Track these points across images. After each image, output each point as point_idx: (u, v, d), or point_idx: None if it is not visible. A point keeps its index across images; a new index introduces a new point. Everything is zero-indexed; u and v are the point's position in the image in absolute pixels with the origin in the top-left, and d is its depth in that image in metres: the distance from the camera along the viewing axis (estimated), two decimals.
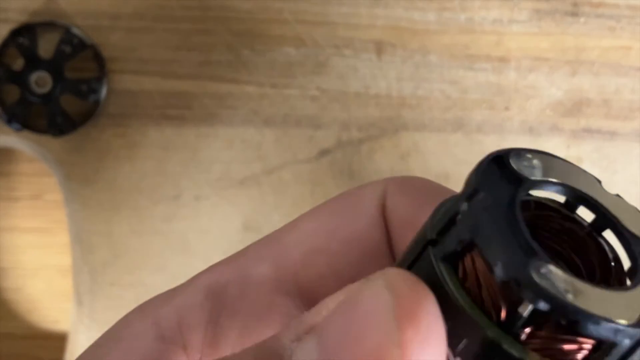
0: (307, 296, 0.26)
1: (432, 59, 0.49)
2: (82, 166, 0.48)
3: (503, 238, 0.18)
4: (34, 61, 0.48)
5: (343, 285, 0.23)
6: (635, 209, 0.20)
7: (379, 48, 0.49)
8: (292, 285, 0.26)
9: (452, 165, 0.49)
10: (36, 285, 0.53)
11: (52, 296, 0.53)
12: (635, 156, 0.50)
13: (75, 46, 0.47)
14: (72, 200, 0.48)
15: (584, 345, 0.18)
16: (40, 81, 0.48)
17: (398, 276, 0.18)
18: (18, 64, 0.48)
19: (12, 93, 0.48)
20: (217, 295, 0.26)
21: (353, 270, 0.26)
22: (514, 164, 0.20)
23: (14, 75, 0.48)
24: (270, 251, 0.26)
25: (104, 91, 0.48)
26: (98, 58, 0.48)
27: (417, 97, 0.49)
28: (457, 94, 0.49)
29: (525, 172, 0.20)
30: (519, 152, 0.20)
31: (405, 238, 0.25)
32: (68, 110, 0.48)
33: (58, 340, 0.52)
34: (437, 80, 0.49)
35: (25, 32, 0.47)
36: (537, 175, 0.20)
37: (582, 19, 0.49)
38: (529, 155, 0.20)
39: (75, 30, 0.47)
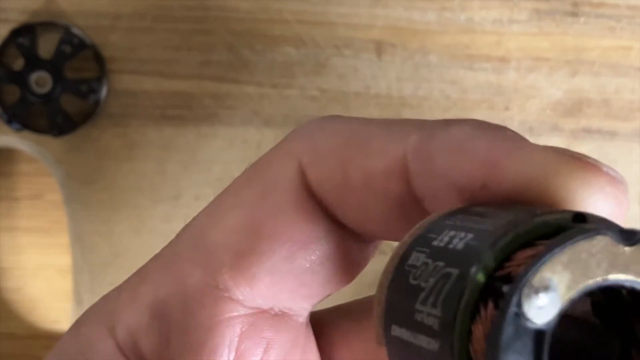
0: (247, 296, 0.25)
1: (432, 59, 0.49)
2: (82, 166, 0.48)
3: None
4: (34, 61, 0.48)
5: (280, 280, 0.24)
6: None
7: (379, 48, 0.49)
8: (229, 289, 0.25)
9: None
10: (36, 285, 0.53)
11: (52, 296, 0.53)
12: (635, 156, 0.50)
13: (75, 46, 0.47)
14: (72, 200, 0.48)
15: None
16: (40, 81, 0.48)
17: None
18: (18, 64, 0.48)
19: (12, 93, 0.48)
20: (162, 315, 0.25)
21: (286, 265, 0.24)
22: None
23: (14, 75, 0.48)
24: (200, 255, 0.25)
25: (104, 91, 0.48)
26: (98, 58, 0.48)
27: (417, 97, 0.49)
28: (457, 94, 0.49)
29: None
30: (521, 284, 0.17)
31: (342, 205, 0.24)
32: (68, 110, 0.48)
33: (58, 340, 0.52)
34: (437, 80, 0.49)
35: (25, 32, 0.47)
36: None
37: (582, 19, 0.49)
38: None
39: (75, 30, 0.47)
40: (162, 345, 0.25)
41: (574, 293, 0.16)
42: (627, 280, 0.17)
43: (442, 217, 0.20)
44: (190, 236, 0.25)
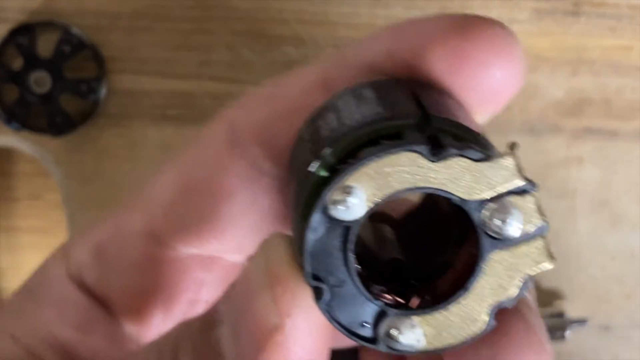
0: (178, 242, 0.28)
1: None
2: (82, 166, 0.48)
3: None
4: (33, 61, 0.48)
5: (209, 227, 0.27)
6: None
7: None
8: (161, 234, 0.28)
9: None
10: None
11: None
12: (636, 156, 0.50)
13: (75, 46, 0.47)
14: (71, 200, 0.48)
15: None
16: (40, 81, 0.48)
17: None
18: (17, 63, 0.48)
19: (12, 93, 0.48)
20: (102, 255, 0.29)
21: (214, 213, 0.27)
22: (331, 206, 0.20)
23: (13, 74, 0.47)
24: (140, 206, 0.28)
25: (103, 91, 0.48)
26: (97, 58, 0.48)
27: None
28: None
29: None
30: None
31: (270, 140, 0.26)
32: (67, 110, 0.48)
33: None
34: None
35: (25, 32, 0.47)
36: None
37: (582, 19, 0.49)
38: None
39: (75, 30, 0.47)
40: (102, 281, 0.28)
41: (377, 199, 0.20)
42: (428, 189, 0.20)
43: (336, 97, 0.22)
44: (133, 192, 0.29)
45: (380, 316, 0.21)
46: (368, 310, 0.21)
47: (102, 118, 0.48)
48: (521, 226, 0.20)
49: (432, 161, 0.19)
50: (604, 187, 0.50)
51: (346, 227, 0.20)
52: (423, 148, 0.19)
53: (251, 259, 0.22)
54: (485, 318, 0.21)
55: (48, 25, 0.47)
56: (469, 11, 0.50)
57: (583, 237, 0.50)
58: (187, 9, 0.48)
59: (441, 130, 0.20)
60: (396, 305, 0.21)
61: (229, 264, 0.29)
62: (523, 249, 0.21)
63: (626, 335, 0.50)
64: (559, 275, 0.50)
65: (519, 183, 0.20)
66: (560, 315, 0.49)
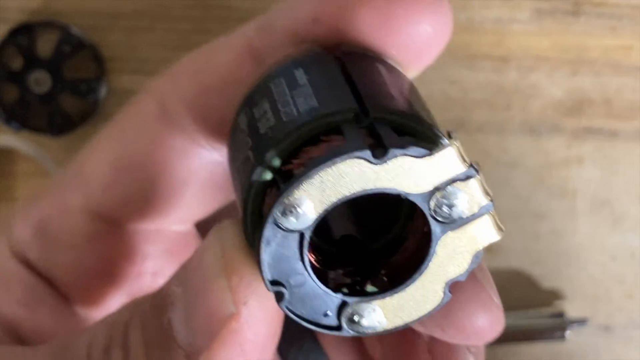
0: (117, 217, 0.28)
1: None
2: None
3: None
4: (33, 61, 0.48)
5: (147, 202, 0.28)
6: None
7: None
8: (101, 211, 0.28)
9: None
10: None
11: None
12: (636, 156, 0.49)
13: (75, 46, 0.47)
14: None
15: None
16: (39, 81, 0.48)
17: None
18: (17, 63, 0.48)
19: (11, 93, 0.48)
20: (44, 232, 0.28)
21: (151, 188, 0.27)
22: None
23: (12, 74, 0.47)
24: (79, 182, 0.28)
25: (103, 91, 0.48)
26: (97, 58, 0.47)
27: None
28: (458, 94, 0.49)
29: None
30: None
31: (202, 112, 0.26)
32: (67, 110, 0.48)
33: None
34: (438, 80, 0.49)
35: (24, 32, 0.47)
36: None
37: (583, 19, 0.49)
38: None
39: (75, 30, 0.47)
40: (46, 259, 0.28)
41: (326, 206, 0.20)
42: (375, 190, 0.20)
43: (269, 78, 0.23)
44: (74, 165, 0.29)
45: (341, 305, 0.21)
46: (329, 301, 0.21)
47: (102, 118, 0.48)
48: (468, 208, 0.21)
49: (376, 164, 0.20)
50: (604, 187, 0.50)
51: (300, 234, 0.20)
52: (366, 153, 0.20)
53: (204, 244, 0.22)
54: (441, 293, 0.22)
55: (48, 25, 0.47)
56: (469, 11, 0.50)
57: (583, 237, 0.50)
58: (187, 9, 0.48)
59: (379, 120, 0.21)
60: (355, 291, 0.22)
61: (173, 234, 0.29)
62: (472, 227, 0.21)
63: (626, 335, 0.50)
64: (559, 275, 0.50)
65: (462, 170, 0.21)
66: (560, 315, 0.49)
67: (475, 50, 0.49)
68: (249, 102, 0.23)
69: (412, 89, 0.24)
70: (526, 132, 0.49)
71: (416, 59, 0.24)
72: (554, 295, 0.50)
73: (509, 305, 0.51)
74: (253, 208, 0.21)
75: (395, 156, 0.20)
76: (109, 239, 0.28)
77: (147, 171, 0.27)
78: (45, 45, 0.48)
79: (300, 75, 0.22)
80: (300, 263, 0.21)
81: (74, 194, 0.28)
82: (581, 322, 0.49)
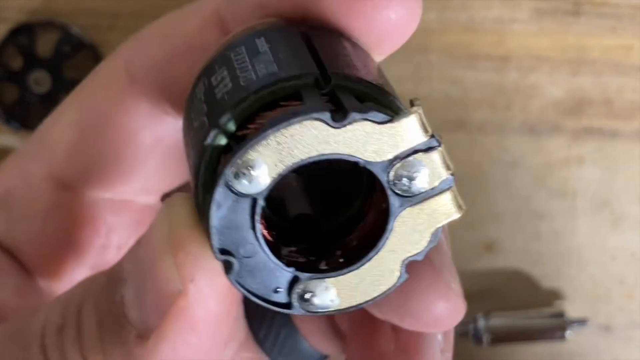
0: (81, 187, 0.27)
1: (433, 58, 0.49)
2: None
3: None
4: (32, 60, 0.48)
5: (111, 171, 0.27)
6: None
7: None
8: (65, 178, 0.27)
9: (452, 165, 0.48)
10: None
11: None
12: (636, 156, 0.49)
13: (75, 46, 0.47)
14: None
15: None
16: (39, 80, 0.48)
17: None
18: (17, 63, 0.48)
19: (11, 92, 0.48)
20: (6, 203, 0.28)
21: (115, 157, 0.27)
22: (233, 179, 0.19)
23: (12, 74, 0.47)
24: (41, 150, 0.28)
25: None
26: (97, 57, 0.47)
27: (417, 97, 0.49)
28: (458, 94, 0.49)
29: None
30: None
31: (169, 79, 0.26)
32: None
33: None
34: (438, 80, 0.49)
35: (25, 32, 0.47)
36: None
37: (583, 19, 0.49)
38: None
39: (74, 30, 0.47)
40: (9, 231, 0.28)
41: (281, 170, 0.19)
42: (332, 155, 0.19)
43: (229, 47, 0.22)
44: (37, 133, 0.28)
45: (293, 281, 0.21)
46: (280, 276, 0.20)
47: None
48: (428, 182, 0.20)
49: (335, 127, 0.19)
50: (604, 187, 0.50)
51: (252, 199, 0.19)
52: (325, 115, 0.19)
53: (154, 220, 0.22)
54: (397, 273, 0.21)
55: (48, 25, 0.47)
56: (469, 11, 0.50)
57: (583, 237, 0.50)
58: None
59: (341, 87, 0.20)
60: (308, 268, 0.21)
61: (139, 206, 0.28)
62: (432, 203, 0.20)
63: (626, 335, 0.50)
64: (559, 275, 0.50)
65: (423, 139, 0.20)
66: (560, 315, 0.49)
67: (475, 50, 0.49)
68: (208, 70, 0.22)
69: (376, 65, 0.23)
70: (526, 132, 0.49)
71: (379, 45, 0.23)
72: (554, 295, 0.50)
73: (509, 305, 0.51)
74: (205, 174, 0.20)
75: (355, 120, 0.19)
76: (72, 208, 0.28)
77: (111, 136, 0.27)
78: (45, 45, 0.48)
79: (261, 43, 0.21)
80: (252, 232, 0.20)
81: (36, 163, 0.28)
82: (581, 322, 0.49)
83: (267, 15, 0.23)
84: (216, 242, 0.20)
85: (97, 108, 0.27)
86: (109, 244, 0.28)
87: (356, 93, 0.20)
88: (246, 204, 0.19)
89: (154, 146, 0.27)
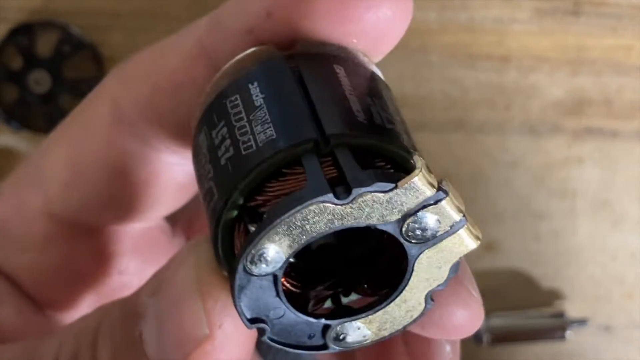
0: (75, 220, 0.27)
1: (433, 58, 0.49)
2: None
3: None
4: (32, 61, 0.48)
5: (104, 204, 0.27)
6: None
7: None
8: (61, 213, 0.27)
9: (452, 165, 0.48)
10: None
11: None
12: (636, 156, 0.49)
13: (74, 46, 0.47)
14: None
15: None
16: (39, 80, 0.47)
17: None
18: (17, 63, 0.48)
19: (11, 92, 0.48)
20: (3, 230, 0.28)
21: (107, 191, 0.27)
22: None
23: (12, 74, 0.47)
24: (35, 182, 0.28)
25: None
26: (97, 57, 0.47)
27: (417, 97, 0.49)
28: (458, 94, 0.49)
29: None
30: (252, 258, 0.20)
31: (157, 117, 0.26)
32: (67, 110, 0.47)
33: None
34: (438, 80, 0.49)
35: (24, 32, 0.47)
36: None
37: (583, 19, 0.49)
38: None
39: (74, 30, 0.47)
40: (5, 258, 0.28)
41: (294, 249, 0.20)
42: (342, 227, 0.20)
43: (225, 94, 0.22)
44: (31, 163, 0.29)
45: (325, 327, 0.21)
46: (312, 326, 0.21)
47: None
48: (441, 227, 0.20)
49: (341, 205, 0.19)
50: (604, 187, 0.50)
51: (273, 275, 0.20)
52: (328, 197, 0.19)
53: (179, 257, 0.22)
54: (423, 303, 0.22)
55: (48, 25, 0.47)
56: (469, 11, 0.50)
57: (583, 237, 0.50)
58: (186, 9, 0.48)
59: (340, 145, 0.20)
60: (337, 314, 0.22)
61: (139, 230, 0.28)
62: (448, 242, 0.21)
63: (626, 335, 0.50)
64: (559, 275, 0.50)
65: (430, 195, 0.20)
66: (560, 315, 0.49)
67: (475, 50, 0.49)
68: (207, 120, 0.22)
69: (375, 88, 0.23)
70: (526, 132, 0.49)
71: (377, 46, 0.23)
72: (554, 295, 0.50)
73: (509, 305, 0.51)
74: (223, 241, 0.21)
75: (359, 194, 0.19)
76: (71, 240, 0.28)
77: (105, 174, 0.27)
78: (45, 45, 0.47)
79: (255, 92, 0.21)
80: (277, 299, 0.21)
81: (31, 194, 0.28)
82: (581, 322, 0.49)
83: (255, 41, 0.23)
84: (246, 315, 0.21)
85: (87, 146, 0.27)
86: (110, 270, 0.28)
87: (357, 149, 0.20)
88: (268, 279, 0.20)
89: (148, 181, 0.27)
